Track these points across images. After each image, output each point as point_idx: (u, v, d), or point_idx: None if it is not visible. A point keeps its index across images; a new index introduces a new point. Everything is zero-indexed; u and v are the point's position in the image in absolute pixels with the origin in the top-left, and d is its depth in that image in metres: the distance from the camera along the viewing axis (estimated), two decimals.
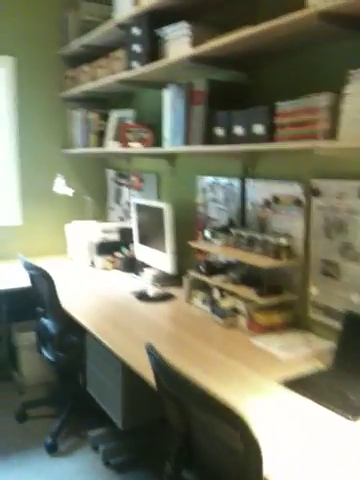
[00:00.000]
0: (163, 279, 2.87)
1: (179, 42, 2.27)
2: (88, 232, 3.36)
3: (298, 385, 1.62)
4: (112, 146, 3.19)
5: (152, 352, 1.38)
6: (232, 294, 2.25)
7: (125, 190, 3.62)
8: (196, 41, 2.16)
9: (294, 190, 2.10)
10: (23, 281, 2.85)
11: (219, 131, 2.13)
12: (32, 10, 3.43)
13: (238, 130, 2.03)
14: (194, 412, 1.36)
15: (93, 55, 3.19)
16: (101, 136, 3.38)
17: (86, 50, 3.25)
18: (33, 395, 3.09)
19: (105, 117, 3.39)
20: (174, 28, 2.29)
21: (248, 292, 2.15)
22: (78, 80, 3.37)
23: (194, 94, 2.25)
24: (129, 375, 1.96)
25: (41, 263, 3.34)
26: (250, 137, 1.97)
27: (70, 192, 3.57)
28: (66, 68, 3.56)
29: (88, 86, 3.16)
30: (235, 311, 2.21)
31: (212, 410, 1.19)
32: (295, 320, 2.15)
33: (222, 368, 1.77)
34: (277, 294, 2.13)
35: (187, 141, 2.33)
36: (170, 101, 2.44)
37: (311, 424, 1.40)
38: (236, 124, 2.04)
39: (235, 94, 2.22)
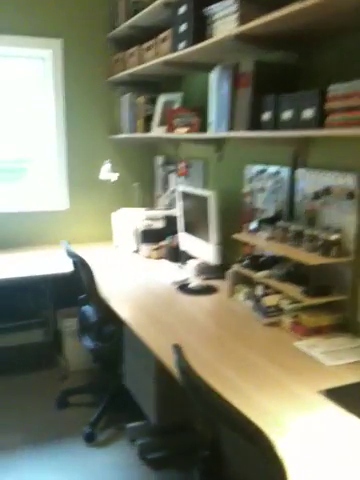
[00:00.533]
0: (206, 270, 2.76)
1: (226, 20, 2.12)
2: (134, 219, 3.30)
3: (342, 397, 1.48)
4: (158, 131, 3.09)
5: (178, 356, 1.29)
6: (277, 291, 2.11)
7: (172, 177, 3.52)
8: (243, 19, 2.00)
9: (347, 181, 1.92)
10: (69, 267, 2.83)
11: (266, 116, 1.98)
12: None
13: (286, 115, 1.87)
14: (218, 424, 1.26)
15: (141, 37, 3.09)
16: (148, 121, 3.28)
17: (134, 32, 3.16)
18: (75, 382, 3.10)
19: (153, 101, 3.29)
20: (221, 6, 2.14)
21: (294, 290, 2.01)
22: (126, 63, 3.28)
23: (240, 76, 2.11)
24: (164, 371, 1.89)
25: (86, 250, 3.35)
26: (299, 123, 1.81)
27: (117, 178, 3.51)
28: (114, 51, 3.48)
29: (135, 69, 3.06)
30: (279, 310, 2.07)
31: (234, 427, 1.09)
32: (344, 323, 1.98)
33: (260, 372, 1.65)
34: (325, 294, 1.97)
35: (232, 126, 2.19)
36: (215, 84, 2.30)
37: (353, 444, 1.26)
38: (284, 108, 1.88)
39: (284, 76, 2.06)
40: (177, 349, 1.29)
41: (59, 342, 3.36)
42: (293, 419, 1.37)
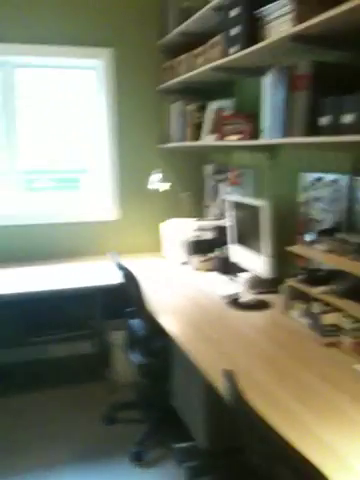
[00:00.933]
0: (258, 284, 2.63)
1: (280, 21, 2.00)
2: (183, 230, 3.22)
3: None
4: (209, 139, 3.00)
5: (231, 384, 1.17)
6: (336, 309, 1.96)
7: (223, 186, 3.41)
8: (300, 18, 1.88)
9: None
10: (118, 278, 2.77)
11: (324, 120, 1.84)
12: (132, 0, 3.35)
13: (348, 118, 1.73)
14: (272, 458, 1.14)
15: (191, 44, 3.01)
16: (198, 129, 3.20)
17: (184, 39, 3.09)
18: (123, 396, 3.03)
19: (203, 109, 3.20)
20: (275, 6, 2.03)
21: (355, 308, 1.85)
22: (176, 71, 3.22)
23: (296, 79, 1.98)
24: (214, 393, 1.77)
25: (135, 261, 3.29)
26: None
27: (166, 188, 3.45)
28: (164, 59, 3.43)
29: (185, 77, 2.99)
30: (339, 329, 1.91)
31: (289, 465, 0.96)
32: None
33: (318, 398, 1.51)
34: None
35: (287, 132, 2.06)
36: (269, 88, 2.19)
37: None
38: (345, 111, 1.74)
39: (344, 77, 1.91)
40: (229, 376, 1.18)
41: (107, 354, 3.31)
42: (357, 454, 1.22)
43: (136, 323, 2.58)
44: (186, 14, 2.98)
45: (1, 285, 2.84)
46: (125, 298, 2.67)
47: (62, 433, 2.69)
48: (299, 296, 2.24)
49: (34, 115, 3.44)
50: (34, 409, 2.93)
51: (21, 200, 3.46)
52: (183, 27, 2.98)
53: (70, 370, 3.39)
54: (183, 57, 3.10)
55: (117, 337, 3.16)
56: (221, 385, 1.56)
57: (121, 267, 2.51)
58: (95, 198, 3.62)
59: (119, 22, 3.35)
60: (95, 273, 3.06)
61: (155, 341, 2.42)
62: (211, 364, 1.76)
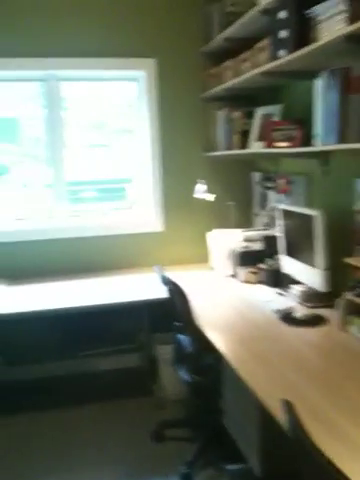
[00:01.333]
0: (312, 298, 2.49)
1: (333, 21, 1.89)
2: (230, 240, 3.12)
3: None
4: (256, 147, 2.90)
5: (290, 416, 1.07)
6: None
7: (271, 194, 3.30)
8: (354, 17, 1.77)
9: None
10: (164, 291, 2.71)
11: None
12: (174, 8, 3.31)
13: None
14: None
15: (236, 49, 2.93)
16: (245, 136, 3.10)
17: (229, 44, 3.01)
18: (172, 413, 2.95)
19: (250, 115, 3.11)
20: (327, 5, 1.92)
21: None
22: (221, 77, 3.14)
23: (351, 81, 1.86)
24: (269, 416, 1.67)
25: (181, 273, 3.21)
26: None
27: (212, 197, 3.36)
28: (208, 66, 3.35)
29: (231, 83, 2.91)
30: None
31: None
32: None
33: None
34: None
35: (342, 137, 1.94)
36: (321, 91, 2.07)
37: None
38: None
39: None
40: (289, 407, 1.08)
41: (154, 368, 3.24)
42: None
43: (184, 339, 2.50)
44: (230, 19, 2.90)
45: (50, 299, 2.84)
46: (172, 312, 2.60)
47: (109, 449, 2.64)
48: (357, 311, 2.10)
49: (78, 126, 3.46)
50: (82, 423, 2.90)
51: (67, 213, 3.47)
52: (227, 32, 2.90)
53: (117, 384, 3.35)
54: (228, 63, 3.02)
55: (165, 351, 3.09)
56: (278, 414, 1.45)
57: (167, 282, 2.44)
58: (140, 209, 3.58)
59: (161, 31, 3.31)
60: (142, 286, 3.01)
61: (204, 358, 2.32)
62: (265, 387, 1.66)
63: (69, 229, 3.43)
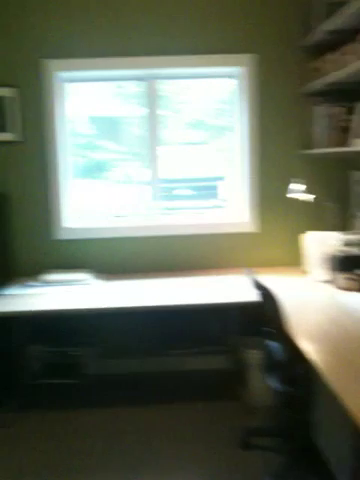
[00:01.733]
0: None
1: None
2: (327, 244, 2.95)
3: None
4: (358, 144, 2.70)
5: None
6: None
7: None
8: None
9: None
10: (256, 294, 2.63)
11: None
12: (272, 1, 3.20)
13: None
14: None
15: (338, 42, 2.75)
16: (345, 133, 2.91)
17: (330, 37, 2.84)
18: (259, 420, 2.86)
19: (351, 111, 2.91)
20: None
21: None
22: (321, 71, 2.97)
23: None
24: None
25: (273, 276, 3.10)
26: None
27: (310, 198, 3.20)
28: (308, 60, 3.20)
29: (333, 76, 2.74)
30: None
31: None
32: None
33: None
34: None
35: None
36: None
37: None
38: None
39: None
40: None
41: (242, 372, 3.17)
42: None
43: (274, 346, 2.40)
44: (333, 9, 2.73)
45: (141, 296, 2.87)
46: (263, 317, 2.51)
47: (191, 452, 2.61)
48: None
49: (176, 124, 3.46)
50: (164, 422, 2.90)
51: (161, 211, 3.49)
52: (329, 24, 2.74)
53: (204, 385, 3.32)
54: (330, 56, 2.85)
55: (253, 356, 3.00)
56: None
57: (259, 286, 2.35)
58: (233, 208, 3.52)
59: (259, 26, 3.21)
60: (233, 288, 2.94)
61: (295, 368, 2.21)
62: None
63: (162, 227, 3.46)
